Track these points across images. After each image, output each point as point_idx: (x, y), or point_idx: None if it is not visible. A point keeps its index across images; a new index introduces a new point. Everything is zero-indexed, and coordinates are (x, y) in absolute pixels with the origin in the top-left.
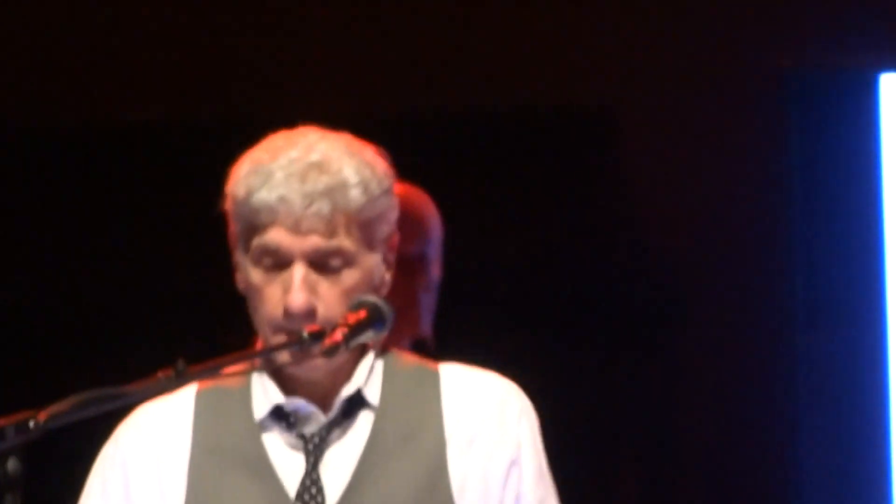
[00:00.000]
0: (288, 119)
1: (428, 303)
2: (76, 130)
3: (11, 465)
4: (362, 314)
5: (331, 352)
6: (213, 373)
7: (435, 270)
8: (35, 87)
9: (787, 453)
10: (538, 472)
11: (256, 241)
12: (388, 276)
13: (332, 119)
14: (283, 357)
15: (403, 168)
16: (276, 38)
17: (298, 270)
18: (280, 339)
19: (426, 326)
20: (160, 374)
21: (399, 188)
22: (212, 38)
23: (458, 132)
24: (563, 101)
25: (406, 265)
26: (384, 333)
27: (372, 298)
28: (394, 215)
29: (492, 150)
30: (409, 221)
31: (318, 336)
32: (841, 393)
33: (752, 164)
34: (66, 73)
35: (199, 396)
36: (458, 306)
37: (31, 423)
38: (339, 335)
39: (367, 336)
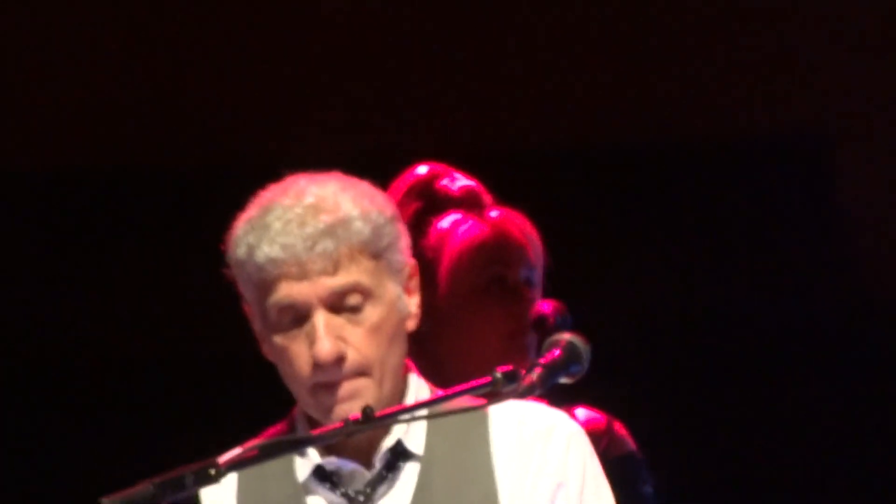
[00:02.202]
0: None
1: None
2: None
3: None
4: (557, 353)
5: (526, 392)
6: (396, 420)
7: (553, 304)
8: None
9: None
10: (584, 492)
11: (269, 303)
12: (414, 307)
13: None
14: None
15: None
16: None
17: (319, 318)
18: (315, 398)
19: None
20: (347, 419)
21: (498, 214)
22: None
23: (654, 167)
24: (770, 130)
25: (507, 293)
26: (581, 373)
27: (567, 336)
28: (404, 243)
29: (695, 185)
30: (509, 246)
31: (511, 377)
32: None
33: None
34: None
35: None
36: (657, 350)
37: (212, 471)
38: (534, 376)
39: (563, 376)
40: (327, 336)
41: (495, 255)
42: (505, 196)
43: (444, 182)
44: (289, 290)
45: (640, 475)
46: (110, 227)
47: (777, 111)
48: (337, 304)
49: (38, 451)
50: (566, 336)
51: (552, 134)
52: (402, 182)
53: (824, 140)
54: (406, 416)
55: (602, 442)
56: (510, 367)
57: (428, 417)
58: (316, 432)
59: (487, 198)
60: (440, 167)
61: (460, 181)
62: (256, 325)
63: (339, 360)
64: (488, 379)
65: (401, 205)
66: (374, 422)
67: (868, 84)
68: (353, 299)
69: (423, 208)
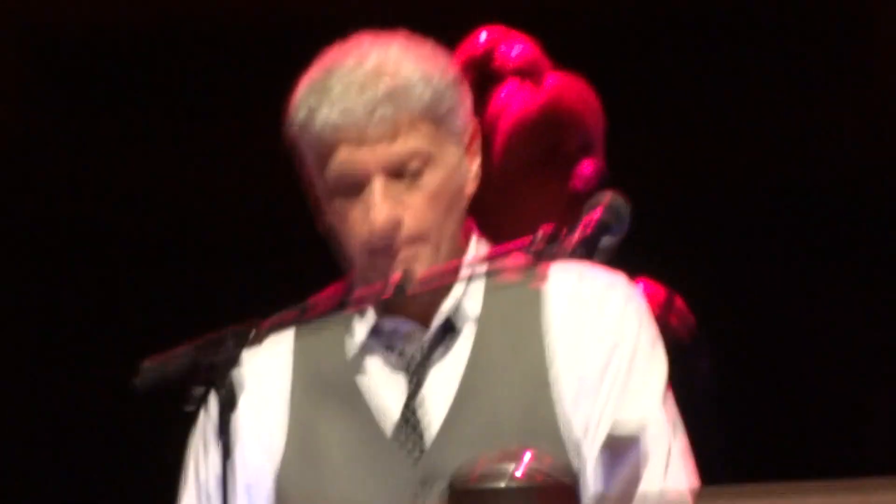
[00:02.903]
0: None
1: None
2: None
3: (236, 375)
4: (597, 214)
5: (567, 253)
6: (435, 282)
7: (592, 166)
8: None
9: None
10: (637, 351)
11: (328, 167)
12: (475, 168)
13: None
14: (516, 261)
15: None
16: None
17: (377, 184)
18: (373, 263)
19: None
20: (387, 282)
21: (552, 81)
22: None
23: (677, 18)
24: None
25: (563, 161)
26: (622, 234)
27: (608, 196)
28: (467, 105)
29: (719, 36)
30: (564, 115)
31: (552, 238)
32: None
33: None
34: None
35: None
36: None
37: (253, 332)
38: (575, 236)
39: (606, 238)
40: (384, 202)
41: (548, 124)
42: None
43: (502, 50)
44: (348, 156)
45: (697, 349)
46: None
47: None
48: (396, 169)
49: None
50: (607, 196)
51: None
52: (461, 53)
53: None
54: (447, 279)
55: (660, 313)
56: (550, 228)
57: (468, 280)
58: (355, 295)
59: (545, 63)
60: (499, 34)
61: (516, 49)
62: (314, 192)
63: (396, 225)
64: (529, 239)
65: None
66: (414, 287)
67: None
68: (413, 165)
69: (480, 80)
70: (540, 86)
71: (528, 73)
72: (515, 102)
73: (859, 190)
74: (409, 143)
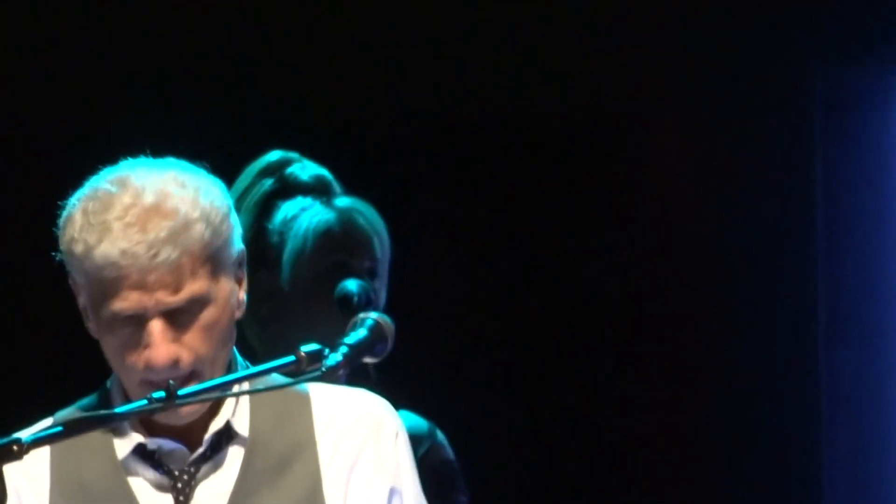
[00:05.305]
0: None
1: None
2: None
3: None
4: (362, 333)
5: (331, 372)
6: (206, 397)
7: (382, 290)
8: None
9: (810, 468)
10: (417, 496)
11: (105, 306)
12: (242, 295)
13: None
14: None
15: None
16: None
17: (155, 326)
18: (144, 392)
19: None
20: (150, 396)
21: (346, 203)
22: None
23: (466, 135)
24: (579, 103)
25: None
26: (385, 352)
27: (373, 316)
28: (237, 234)
29: (506, 154)
30: (355, 236)
31: (316, 356)
32: (864, 408)
33: (776, 171)
34: None
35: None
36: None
37: (15, 447)
38: (339, 355)
39: (369, 356)
40: (163, 343)
41: (340, 242)
42: None
43: (295, 167)
44: (127, 297)
45: (456, 484)
46: None
47: (582, 87)
48: (175, 313)
49: None
50: (371, 315)
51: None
52: (255, 164)
53: (628, 115)
54: (211, 395)
55: (422, 447)
56: (316, 347)
57: (232, 395)
58: (120, 410)
59: (336, 187)
60: (292, 155)
61: (310, 169)
62: (80, 301)
63: (174, 364)
64: (292, 359)
65: (252, 185)
66: (176, 399)
67: (672, 60)
68: (192, 308)
69: (273, 190)
70: (331, 205)
71: (319, 191)
72: (307, 218)
73: None
74: (188, 291)
